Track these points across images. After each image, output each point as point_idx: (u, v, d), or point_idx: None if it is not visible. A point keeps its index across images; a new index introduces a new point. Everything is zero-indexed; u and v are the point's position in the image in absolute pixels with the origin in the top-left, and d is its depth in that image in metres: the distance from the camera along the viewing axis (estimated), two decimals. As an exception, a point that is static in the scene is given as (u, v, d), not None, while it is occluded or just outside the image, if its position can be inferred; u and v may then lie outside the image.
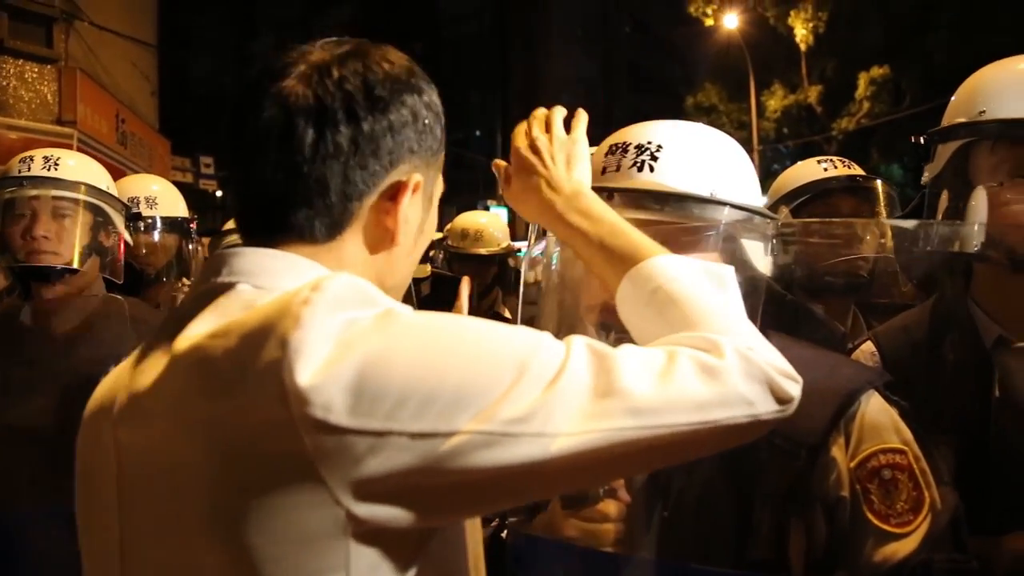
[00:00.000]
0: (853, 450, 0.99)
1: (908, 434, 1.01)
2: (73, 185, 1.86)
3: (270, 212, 0.78)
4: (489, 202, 21.70)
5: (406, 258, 0.85)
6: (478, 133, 26.51)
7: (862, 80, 18.21)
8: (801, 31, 18.63)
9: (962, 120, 1.30)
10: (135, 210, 2.35)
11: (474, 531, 0.85)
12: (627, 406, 0.68)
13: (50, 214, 1.82)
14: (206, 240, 3.96)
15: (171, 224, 2.53)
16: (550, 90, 25.02)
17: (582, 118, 1.05)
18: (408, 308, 0.71)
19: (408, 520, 0.66)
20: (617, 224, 0.93)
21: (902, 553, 0.95)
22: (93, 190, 1.89)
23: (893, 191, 1.97)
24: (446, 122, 0.87)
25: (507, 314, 3.04)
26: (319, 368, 0.64)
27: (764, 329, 1.06)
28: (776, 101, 20.14)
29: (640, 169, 1.07)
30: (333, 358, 0.64)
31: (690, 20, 20.91)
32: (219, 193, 20.00)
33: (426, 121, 0.81)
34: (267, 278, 0.75)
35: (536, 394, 0.67)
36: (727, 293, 0.87)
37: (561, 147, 1.00)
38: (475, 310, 2.81)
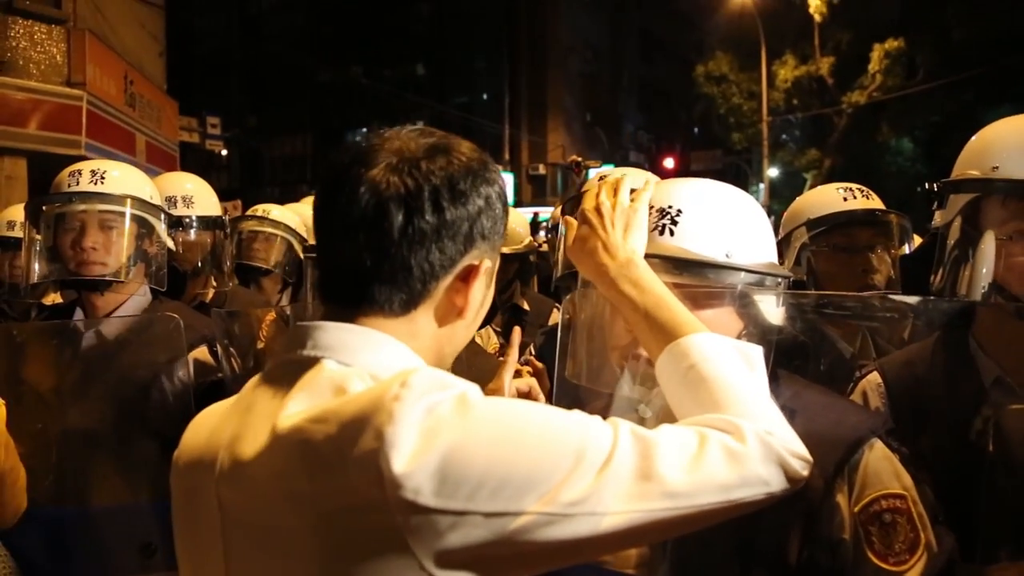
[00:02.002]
0: (857, 495, 1.10)
1: (908, 479, 1.12)
2: (119, 199, 1.96)
3: (355, 285, 0.87)
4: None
5: (467, 329, 0.95)
6: (484, 96, 26.30)
7: (876, 53, 18.02)
8: (815, 1, 18.37)
9: (975, 173, 1.38)
10: (172, 210, 2.45)
11: None
12: (664, 490, 0.80)
13: (98, 227, 1.92)
14: (235, 203, 3.98)
15: (207, 222, 2.63)
16: (558, 55, 24.75)
17: (649, 187, 1.17)
18: (477, 390, 0.82)
19: None
20: (663, 297, 1.04)
21: None
22: (138, 202, 1.99)
23: (907, 223, 2.05)
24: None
25: (525, 306, 3.12)
26: (409, 458, 0.74)
27: (777, 370, 1.17)
28: (787, 71, 19.95)
29: (661, 233, 1.16)
30: (420, 448, 0.75)
31: (703, -13, 20.60)
32: (224, 152, 19.98)
33: (496, 208, 0.91)
34: (349, 354, 0.86)
35: (590, 479, 0.78)
36: (755, 374, 0.98)
37: (622, 214, 1.12)
38: (496, 304, 2.88)
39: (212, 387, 1.77)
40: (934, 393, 1.44)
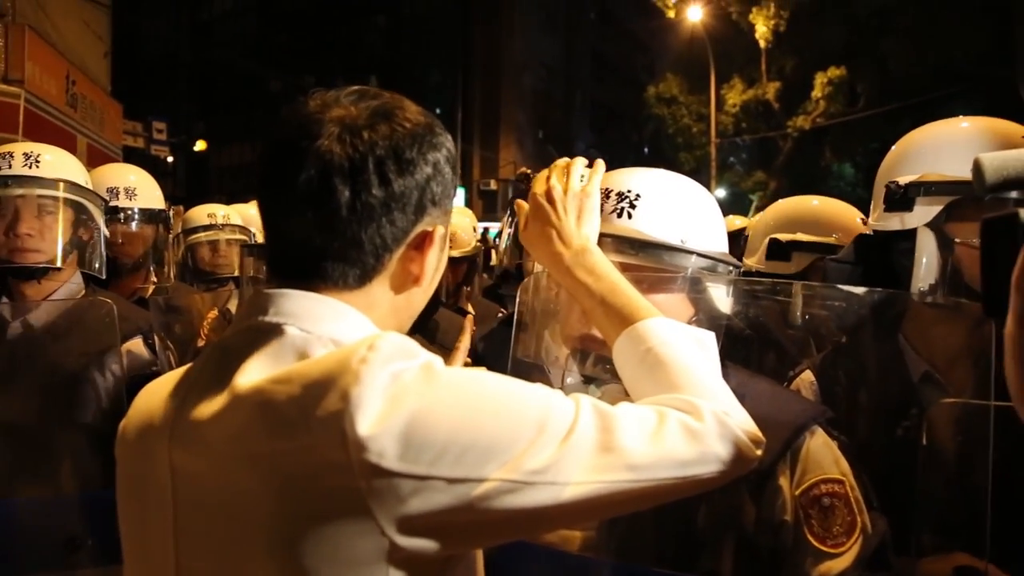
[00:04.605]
0: (798, 479, 1.12)
1: (846, 466, 1.15)
2: (56, 183, 1.87)
3: (306, 263, 0.85)
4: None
5: (423, 295, 0.94)
6: (437, 111, 26.29)
7: (819, 80, 18.64)
8: (762, 28, 18.94)
9: (949, 175, 1.34)
10: (113, 201, 2.37)
11: (479, 555, 0.94)
12: (625, 462, 0.80)
13: (33, 212, 1.84)
14: (177, 209, 3.88)
15: (150, 215, 2.56)
16: (511, 72, 24.95)
17: (599, 170, 1.17)
18: (440, 360, 0.81)
19: (439, 549, 0.77)
20: (618, 283, 1.05)
21: (836, 570, 1.09)
22: (75, 187, 1.91)
23: None
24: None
25: (471, 309, 3.12)
26: (375, 420, 0.73)
27: (725, 362, 1.19)
28: (735, 95, 20.47)
29: (620, 215, 1.18)
30: (385, 412, 0.74)
31: (654, 11, 21.07)
32: (171, 159, 19.52)
33: (445, 173, 0.89)
34: (311, 322, 0.83)
35: (553, 449, 0.78)
36: (708, 357, 1.00)
37: (574, 199, 1.12)
38: (440, 307, 2.85)
39: (146, 380, 1.71)
40: (865, 389, 1.48)
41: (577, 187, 1.13)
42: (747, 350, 1.31)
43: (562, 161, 1.18)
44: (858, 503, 1.13)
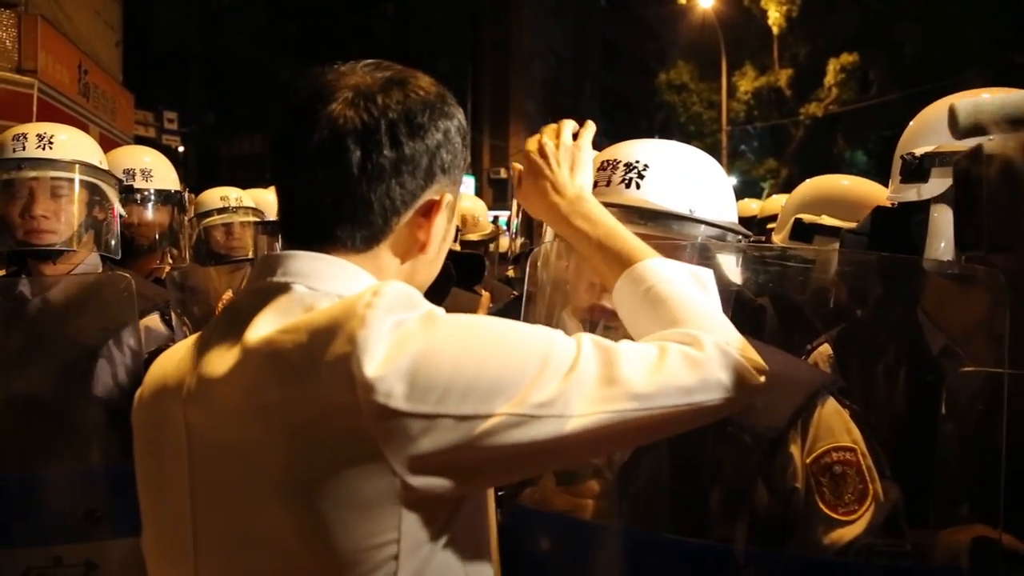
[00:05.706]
0: (809, 447, 1.13)
1: (857, 434, 1.16)
2: (70, 165, 1.88)
3: (316, 224, 0.87)
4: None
5: (430, 264, 0.95)
6: (448, 100, 26.13)
7: (831, 66, 18.46)
8: (774, 14, 18.76)
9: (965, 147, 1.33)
10: (130, 182, 2.40)
11: (490, 499, 0.96)
12: (628, 392, 0.81)
13: (47, 194, 1.84)
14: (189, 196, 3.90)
15: (165, 197, 2.58)
16: (521, 60, 24.85)
17: (589, 128, 1.18)
18: (441, 310, 0.82)
19: (450, 488, 0.78)
20: (614, 228, 1.06)
21: (848, 537, 1.10)
22: (89, 168, 1.92)
23: None
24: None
25: (484, 294, 3.15)
26: (381, 362, 0.75)
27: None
28: (747, 82, 20.30)
29: (628, 186, 1.19)
30: (391, 354, 0.75)
31: (665, -3, 20.91)
32: (181, 149, 19.58)
33: (455, 142, 0.91)
34: (319, 281, 0.85)
35: (557, 383, 0.79)
36: (708, 293, 1.01)
37: (566, 152, 1.13)
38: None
39: (164, 355, 1.73)
40: (884, 363, 1.48)
41: (569, 142, 1.14)
42: (758, 319, 1.31)
43: (552, 125, 1.18)
44: (870, 471, 1.13)
